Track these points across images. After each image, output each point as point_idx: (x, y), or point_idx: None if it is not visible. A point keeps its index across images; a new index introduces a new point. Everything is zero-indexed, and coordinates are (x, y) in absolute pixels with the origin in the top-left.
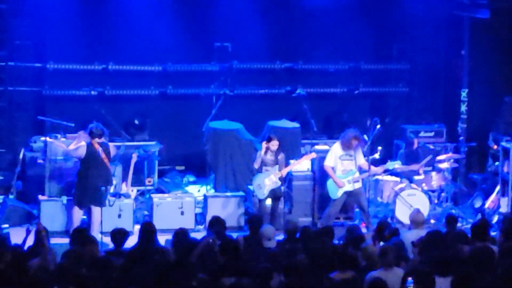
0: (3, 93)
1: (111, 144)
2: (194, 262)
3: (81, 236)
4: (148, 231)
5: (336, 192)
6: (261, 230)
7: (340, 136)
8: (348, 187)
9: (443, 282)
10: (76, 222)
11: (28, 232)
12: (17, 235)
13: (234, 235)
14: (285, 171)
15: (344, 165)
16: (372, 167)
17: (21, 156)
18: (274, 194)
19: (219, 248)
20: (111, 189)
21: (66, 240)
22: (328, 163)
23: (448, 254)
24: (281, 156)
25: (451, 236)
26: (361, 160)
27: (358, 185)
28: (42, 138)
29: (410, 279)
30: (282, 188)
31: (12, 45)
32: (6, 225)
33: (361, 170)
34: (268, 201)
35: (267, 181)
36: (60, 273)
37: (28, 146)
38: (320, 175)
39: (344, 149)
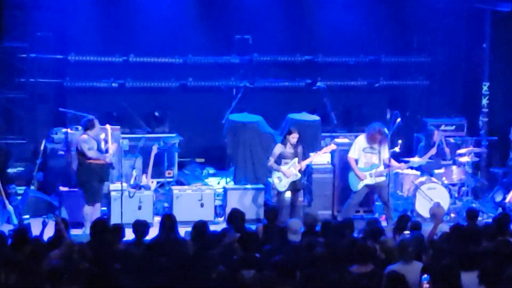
0: (24, 85)
1: (81, 137)
2: (214, 255)
3: (101, 227)
4: (169, 223)
5: (357, 184)
6: (287, 223)
7: (365, 129)
8: (369, 180)
9: (464, 276)
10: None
11: (44, 224)
12: (38, 226)
13: (254, 227)
14: (304, 164)
15: (367, 158)
16: (395, 163)
17: (42, 147)
18: (294, 187)
19: (239, 241)
20: (108, 187)
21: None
22: (352, 155)
23: (469, 249)
24: (300, 149)
25: (472, 230)
26: (386, 155)
27: (380, 179)
28: (63, 130)
29: (426, 275)
30: (302, 180)
31: (34, 37)
32: (27, 216)
33: (385, 165)
34: (288, 194)
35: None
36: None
37: (49, 137)
38: (340, 168)
39: (368, 142)
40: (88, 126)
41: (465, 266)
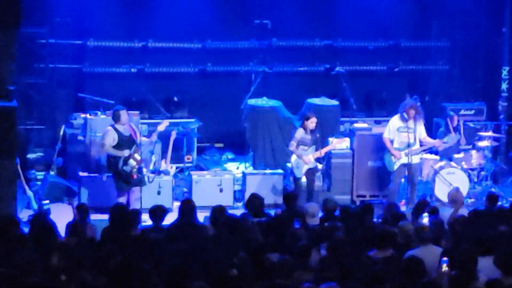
0: (43, 70)
1: (104, 129)
2: (233, 240)
3: (119, 212)
4: (188, 208)
5: (393, 164)
6: (305, 207)
7: (399, 108)
8: (405, 160)
9: (482, 261)
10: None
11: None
12: (57, 211)
13: (272, 212)
14: (323, 151)
15: (402, 137)
16: (429, 140)
17: (61, 133)
18: (312, 173)
19: (258, 226)
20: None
21: (105, 216)
22: (386, 135)
23: (488, 233)
24: (317, 135)
25: (491, 215)
26: (423, 134)
27: (416, 159)
28: (82, 115)
29: (445, 258)
30: (321, 166)
31: (53, 22)
32: (47, 201)
33: (421, 143)
34: (304, 179)
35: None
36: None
37: (69, 123)
38: (359, 153)
39: (402, 120)
40: (113, 118)
41: (482, 251)
